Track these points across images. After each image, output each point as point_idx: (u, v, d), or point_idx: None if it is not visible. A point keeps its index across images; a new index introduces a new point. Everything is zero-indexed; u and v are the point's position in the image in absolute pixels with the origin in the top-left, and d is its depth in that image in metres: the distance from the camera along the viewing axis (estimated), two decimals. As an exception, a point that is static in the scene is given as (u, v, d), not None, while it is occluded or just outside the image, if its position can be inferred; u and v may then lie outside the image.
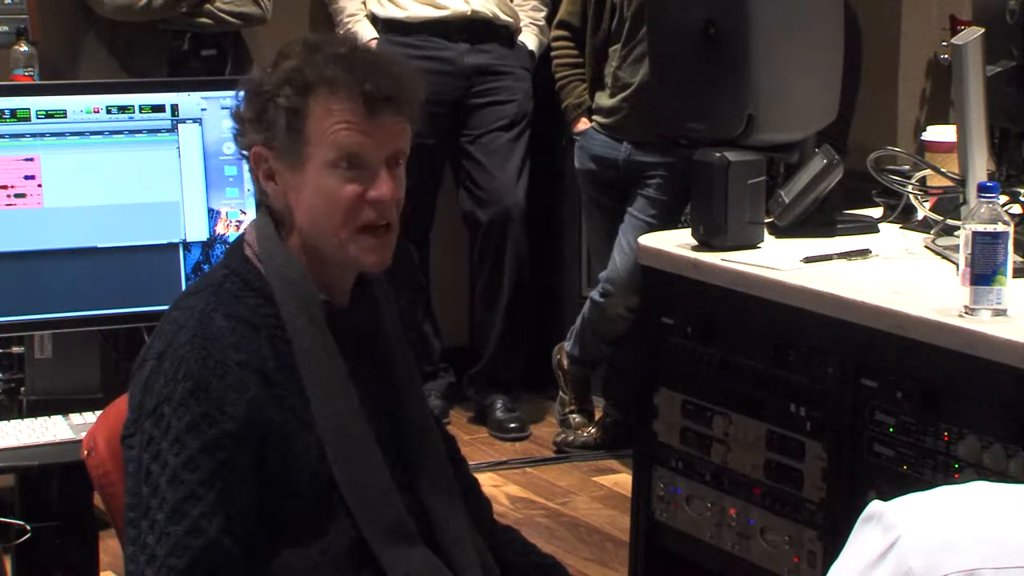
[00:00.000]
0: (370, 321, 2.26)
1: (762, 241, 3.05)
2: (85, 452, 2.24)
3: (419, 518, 2.19)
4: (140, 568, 2.03)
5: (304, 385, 2.12)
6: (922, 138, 3.31)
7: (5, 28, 4.12)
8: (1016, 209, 2.89)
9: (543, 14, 5.15)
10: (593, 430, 4.98)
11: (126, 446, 2.11)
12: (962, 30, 2.93)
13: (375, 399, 2.20)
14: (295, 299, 2.14)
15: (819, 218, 3.12)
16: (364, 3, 5.05)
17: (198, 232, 3.00)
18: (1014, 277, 2.51)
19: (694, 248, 3.03)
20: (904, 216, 3.19)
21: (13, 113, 2.88)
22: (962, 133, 2.84)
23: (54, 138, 2.91)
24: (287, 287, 2.14)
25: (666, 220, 4.45)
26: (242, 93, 2.18)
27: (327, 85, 2.11)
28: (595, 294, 4.78)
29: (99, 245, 2.94)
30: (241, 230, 2.32)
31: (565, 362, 5.00)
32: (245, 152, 2.21)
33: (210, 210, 3.00)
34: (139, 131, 2.96)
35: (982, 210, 2.49)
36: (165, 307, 2.91)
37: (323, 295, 2.18)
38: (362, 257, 2.17)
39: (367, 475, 2.13)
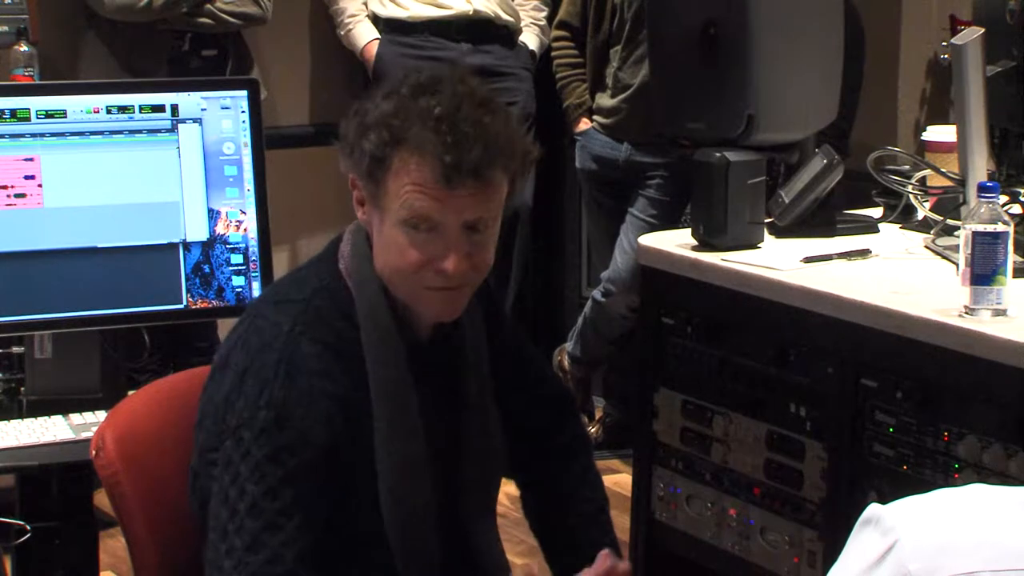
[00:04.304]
0: (452, 355, 2.20)
1: (762, 241, 3.05)
2: (93, 452, 2.22)
3: (459, 542, 2.19)
4: None
5: (374, 415, 2.09)
6: (922, 138, 3.31)
7: (5, 28, 4.12)
8: (1016, 209, 2.89)
9: (544, 14, 5.14)
10: (593, 430, 4.97)
11: (207, 461, 2.09)
12: (962, 30, 2.93)
13: (443, 426, 2.17)
14: (378, 329, 2.10)
15: (819, 218, 3.12)
16: (365, 3, 5.04)
17: (198, 232, 3.00)
18: (1014, 277, 2.51)
19: (694, 248, 3.03)
20: (904, 216, 3.19)
21: (13, 113, 2.88)
22: (962, 133, 2.84)
23: (54, 138, 2.90)
24: (372, 315, 2.10)
25: (667, 220, 4.46)
26: (353, 109, 2.09)
27: (413, 145, 2.01)
28: (597, 293, 4.78)
29: (99, 245, 2.94)
30: (342, 233, 2.21)
31: (566, 362, 5.00)
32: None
33: (210, 210, 3.00)
34: (139, 131, 2.96)
35: (982, 210, 2.49)
36: (165, 307, 2.98)
37: (407, 327, 2.13)
38: (426, 311, 2.13)
39: (413, 518, 2.11)
